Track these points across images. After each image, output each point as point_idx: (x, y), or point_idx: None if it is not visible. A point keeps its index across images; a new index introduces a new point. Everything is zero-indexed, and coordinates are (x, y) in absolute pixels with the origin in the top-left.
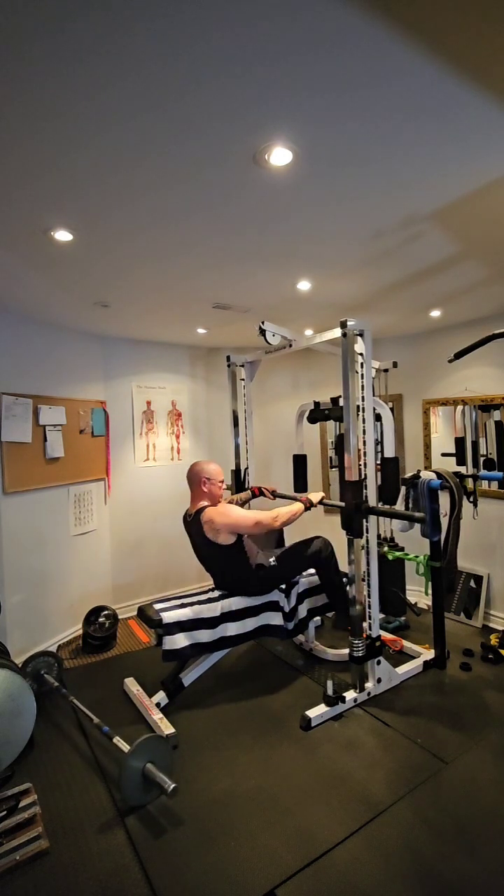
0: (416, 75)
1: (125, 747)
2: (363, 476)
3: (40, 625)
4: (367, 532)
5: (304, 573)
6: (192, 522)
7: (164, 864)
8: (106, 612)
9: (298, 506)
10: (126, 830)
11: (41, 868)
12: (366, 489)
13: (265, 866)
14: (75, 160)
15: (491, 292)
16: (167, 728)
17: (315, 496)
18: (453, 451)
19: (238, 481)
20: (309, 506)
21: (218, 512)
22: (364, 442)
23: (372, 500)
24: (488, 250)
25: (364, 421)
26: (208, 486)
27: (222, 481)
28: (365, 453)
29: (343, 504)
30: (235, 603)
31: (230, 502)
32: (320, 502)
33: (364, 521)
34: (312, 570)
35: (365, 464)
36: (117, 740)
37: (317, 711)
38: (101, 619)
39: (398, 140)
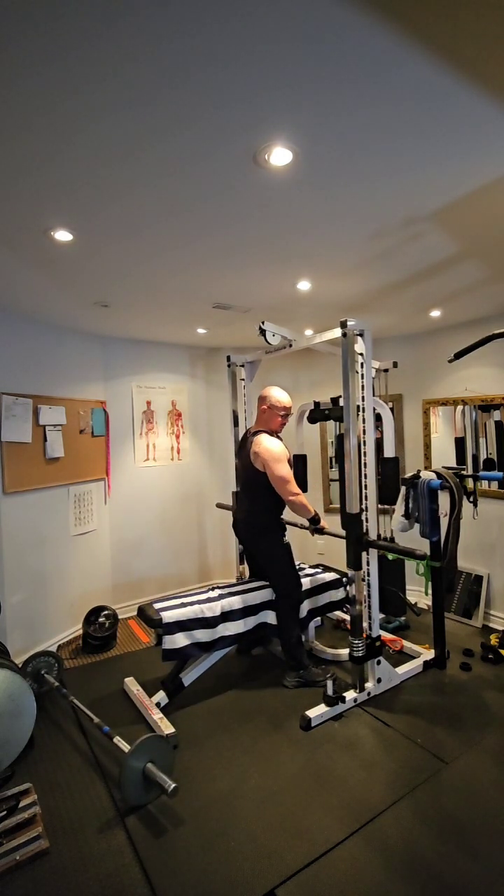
0: (417, 74)
1: (125, 747)
2: (362, 508)
3: (40, 625)
4: (369, 565)
5: (302, 573)
6: (245, 442)
7: (164, 864)
8: (106, 612)
9: (311, 508)
10: (126, 830)
11: (41, 868)
12: (366, 488)
13: (265, 866)
14: (74, 159)
15: (491, 292)
16: (167, 728)
17: (324, 522)
18: (455, 455)
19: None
20: (316, 521)
21: (267, 440)
22: (364, 442)
23: (372, 500)
24: (488, 250)
25: (364, 421)
26: (267, 414)
27: (285, 414)
28: (365, 453)
29: (343, 536)
30: (235, 602)
31: None
32: (320, 529)
33: (364, 553)
34: (318, 570)
35: (365, 464)
36: (117, 740)
37: (317, 711)
38: (101, 619)
39: (398, 140)
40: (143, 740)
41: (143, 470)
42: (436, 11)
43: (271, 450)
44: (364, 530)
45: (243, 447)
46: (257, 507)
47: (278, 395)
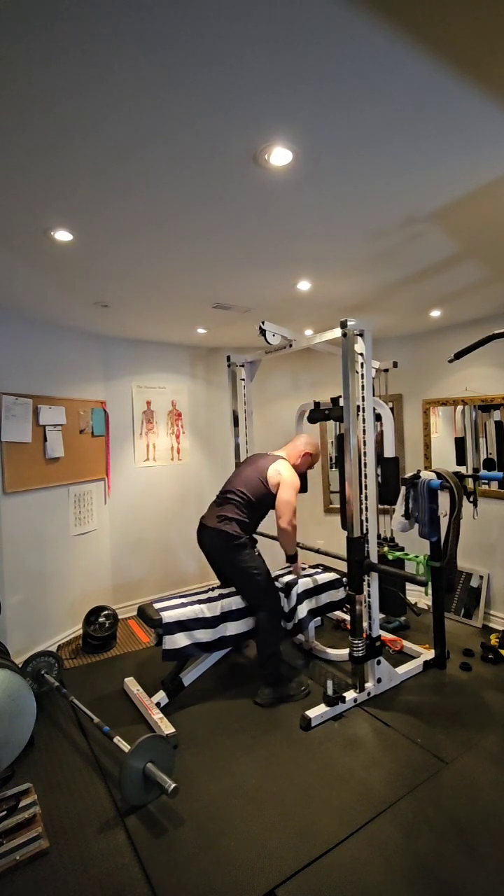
0: (416, 75)
1: (125, 747)
2: (364, 529)
3: (40, 625)
4: (369, 587)
5: (304, 573)
6: (263, 457)
7: (164, 864)
8: (106, 612)
9: (295, 548)
10: (126, 830)
11: (41, 868)
12: (366, 489)
13: (265, 866)
14: (75, 159)
15: (491, 292)
16: (167, 728)
17: (298, 567)
18: (455, 455)
19: None
20: (294, 559)
21: (291, 471)
22: (364, 442)
23: (371, 501)
24: (488, 250)
25: (364, 421)
26: (302, 458)
27: (311, 466)
28: (365, 453)
29: (345, 558)
30: (235, 602)
31: None
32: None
33: (365, 577)
34: (318, 570)
35: (365, 464)
36: (117, 740)
37: (317, 711)
38: (101, 619)
39: (398, 140)
40: (143, 740)
41: (142, 470)
42: (435, 11)
43: (294, 481)
44: (366, 554)
45: (260, 460)
46: (240, 516)
47: (316, 452)
